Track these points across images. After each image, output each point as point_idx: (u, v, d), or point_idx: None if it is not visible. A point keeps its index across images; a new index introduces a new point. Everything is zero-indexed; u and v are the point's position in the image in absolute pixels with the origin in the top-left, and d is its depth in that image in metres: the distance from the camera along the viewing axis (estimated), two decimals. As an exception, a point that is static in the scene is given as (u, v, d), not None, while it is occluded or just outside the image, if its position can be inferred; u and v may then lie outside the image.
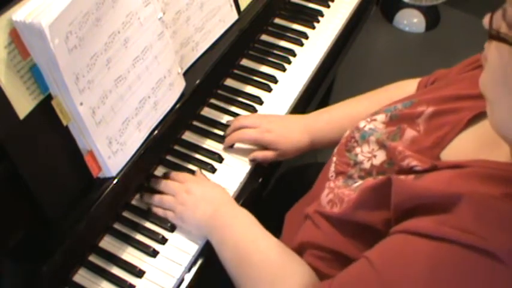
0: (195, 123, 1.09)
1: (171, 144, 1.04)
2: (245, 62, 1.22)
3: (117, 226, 0.93)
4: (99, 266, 0.88)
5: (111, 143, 0.83)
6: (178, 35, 0.99)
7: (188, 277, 0.89)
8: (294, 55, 1.24)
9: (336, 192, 0.81)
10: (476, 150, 0.70)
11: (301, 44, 1.26)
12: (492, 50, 0.60)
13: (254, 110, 1.12)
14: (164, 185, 0.95)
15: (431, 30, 2.60)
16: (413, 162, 0.72)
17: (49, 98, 0.75)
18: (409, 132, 0.79)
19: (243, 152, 1.04)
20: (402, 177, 0.71)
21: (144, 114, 0.90)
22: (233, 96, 1.15)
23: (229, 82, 1.18)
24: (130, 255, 0.90)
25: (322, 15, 1.34)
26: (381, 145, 0.80)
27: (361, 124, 0.86)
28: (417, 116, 0.80)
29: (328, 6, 1.36)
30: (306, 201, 0.94)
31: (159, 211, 0.94)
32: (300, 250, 0.84)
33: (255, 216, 0.90)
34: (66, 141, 0.79)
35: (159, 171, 1.01)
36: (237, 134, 1.04)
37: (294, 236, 0.87)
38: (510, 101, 0.59)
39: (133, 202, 0.96)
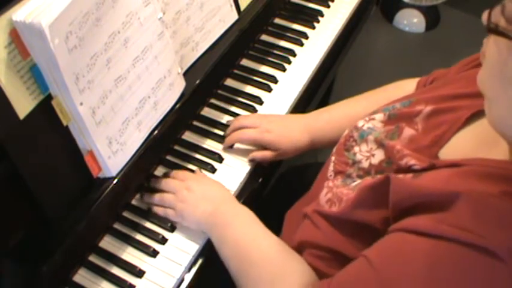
0: (195, 123, 1.09)
1: (171, 144, 1.04)
2: (245, 62, 1.22)
3: (117, 226, 0.93)
4: (99, 266, 0.88)
5: (111, 143, 0.84)
6: (178, 35, 0.99)
7: (188, 277, 0.89)
8: (294, 55, 1.24)
9: (334, 191, 0.81)
10: (474, 148, 0.70)
11: (301, 44, 1.26)
12: (490, 45, 0.60)
13: (254, 110, 1.13)
14: (164, 183, 0.96)
15: (431, 30, 2.60)
16: (411, 161, 0.72)
17: (49, 98, 0.76)
18: (408, 131, 0.79)
19: (243, 152, 1.04)
20: (400, 176, 0.71)
21: (144, 114, 0.90)
22: (233, 96, 1.15)
23: (229, 82, 1.18)
24: (130, 255, 0.90)
25: (322, 15, 1.34)
26: (379, 144, 0.80)
27: (360, 123, 0.86)
28: (415, 115, 0.80)
29: (328, 6, 1.36)
30: (305, 200, 0.94)
31: (159, 209, 0.94)
32: (299, 249, 0.85)
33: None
34: (66, 141, 0.79)
35: (159, 171, 1.01)
36: (237, 134, 1.04)
37: (293, 235, 0.87)
38: (508, 98, 0.59)
39: (134, 202, 0.97)
